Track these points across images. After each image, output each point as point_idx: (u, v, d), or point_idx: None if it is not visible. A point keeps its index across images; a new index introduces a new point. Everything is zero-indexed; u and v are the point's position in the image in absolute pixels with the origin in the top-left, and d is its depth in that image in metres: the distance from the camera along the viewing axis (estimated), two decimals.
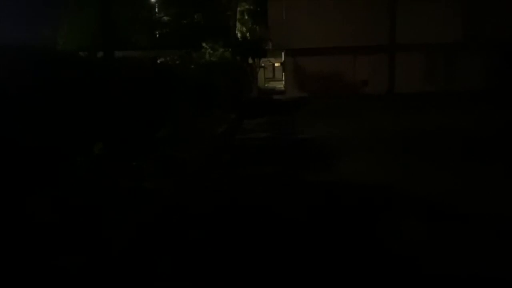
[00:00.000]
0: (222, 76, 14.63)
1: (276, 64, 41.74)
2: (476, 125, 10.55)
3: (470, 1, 18.50)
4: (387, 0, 17.57)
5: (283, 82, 23.62)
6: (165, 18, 27.25)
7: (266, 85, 30.87)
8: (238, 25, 30.96)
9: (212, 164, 7.20)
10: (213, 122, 10.64)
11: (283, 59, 24.22)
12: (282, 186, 5.71)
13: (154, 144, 5.98)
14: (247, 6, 30.68)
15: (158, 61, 16.80)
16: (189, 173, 5.89)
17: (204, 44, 22.34)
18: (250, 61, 23.83)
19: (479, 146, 8.04)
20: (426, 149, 7.99)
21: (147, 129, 5.70)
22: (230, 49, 21.91)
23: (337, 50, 19.52)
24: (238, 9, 30.71)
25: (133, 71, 5.18)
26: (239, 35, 29.92)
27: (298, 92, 20.33)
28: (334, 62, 19.84)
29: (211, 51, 22.18)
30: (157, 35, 26.12)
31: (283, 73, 25.30)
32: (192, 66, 15.37)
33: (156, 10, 28.76)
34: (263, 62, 38.14)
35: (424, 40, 18.39)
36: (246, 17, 31.38)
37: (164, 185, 4.79)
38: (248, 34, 30.14)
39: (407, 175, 6.01)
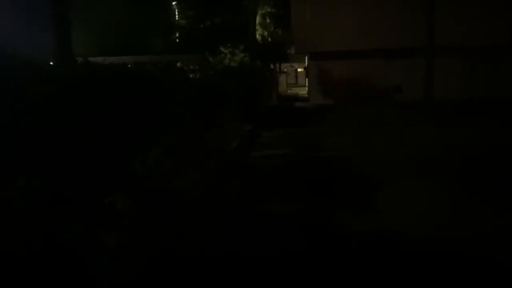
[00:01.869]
0: (239, 82, 13.15)
1: (299, 69, 40.09)
2: None
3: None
4: (423, 1, 15.69)
5: (306, 88, 21.95)
6: (183, 21, 26.05)
7: (288, 91, 29.26)
8: (259, 28, 29.64)
9: (212, 196, 5.65)
10: (225, 136, 9.11)
11: (306, 63, 22.57)
12: (307, 239, 4.08)
13: (133, 174, 4.46)
14: (268, 9, 29.34)
15: (177, 65, 15.45)
16: (172, 216, 4.34)
17: (222, 49, 21.06)
18: (272, 66, 22.32)
19: None
20: (490, 181, 6.22)
21: (122, 155, 4.18)
22: (249, 54, 20.50)
23: (367, 53, 17.71)
24: (259, 12, 29.41)
25: (104, 81, 3.69)
26: (260, 39, 28.57)
27: (323, 99, 18.61)
28: (363, 66, 18.03)
29: (231, 56, 20.87)
30: (176, 40, 24.95)
31: (306, 79, 23.67)
32: (210, 72, 13.97)
33: (176, 13, 27.72)
34: (285, 67, 36.66)
35: (466, 42, 16.39)
36: (268, 20, 30.05)
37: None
38: (269, 38, 28.75)
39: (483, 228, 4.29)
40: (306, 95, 20.91)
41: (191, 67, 18.41)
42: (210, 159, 6.77)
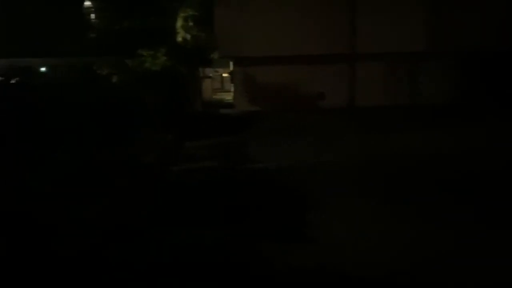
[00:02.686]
0: (160, 88, 12.15)
1: (224, 74, 39.45)
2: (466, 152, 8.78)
3: (436, 9, 17.21)
4: (346, 7, 15.81)
5: (232, 94, 21.35)
6: (98, 22, 24.24)
7: (213, 97, 28.45)
8: (181, 31, 28.54)
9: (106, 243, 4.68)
10: (140, 148, 8.14)
11: (231, 68, 21.97)
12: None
13: None
14: (191, 12, 28.36)
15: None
16: None
17: (142, 52, 19.80)
18: (195, 71, 21.41)
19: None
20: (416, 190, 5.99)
21: None
22: (171, 58, 19.47)
23: (292, 59, 17.50)
24: (182, 14, 28.33)
25: None
26: (182, 42, 27.49)
27: (249, 105, 18.10)
28: (288, 72, 17.79)
29: (151, 59, 19.68)
30: (92, 41, 23.10)
31: (232, 84, 23.08)
32: (128, 76, 12.82)
33: (92, 12, 25.76)
34: (210, 72, 35.78)
35: (387, 49, 16.80)
36: (191, 23, 29.05)
37: None
38: (193, 42, 27.77)
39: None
40: (232, 101, 20.31)
41: (108, 70, 16.97)
42: (119, 179, 5.82)
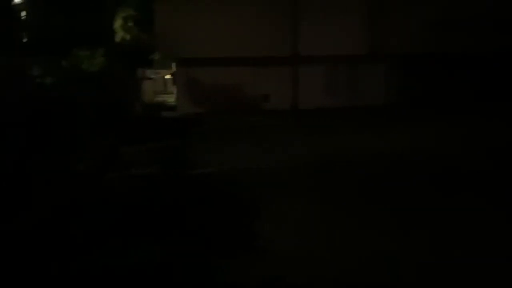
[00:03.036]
0: (94, 90, 11.49)
1: (167, 76, 38.58)
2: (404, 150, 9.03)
3: (374, 13, 17.75)
4: (289, 10, 15.89)
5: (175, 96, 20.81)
6: (30, 19, 22.77)
7: (155, 99, 27.62)
8: (120, 31, 27.47)
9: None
10: (73, 155, 7.59)
11: (174, 69, 21.42)
12: None
13: None
14: (131, 12, 27.40)
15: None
16: None
17: (79, 52, 18.81)
18: (136, 72, 20.69)
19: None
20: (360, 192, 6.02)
21: None
22: (110, 58, 18.65)
23: (236, 61, 17.34)
24: (121, 14, 27.28)
25: None
26: (122, 42, 26.48)
27: (192, 107, 17.70)
28: (233, 74, 17.63)
29: (88, 60, 18.73)
30: (24, 40, 21.66)
31: (174, 86, 22.51)
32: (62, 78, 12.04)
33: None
34: (153, 73, 34.78)
35: (329, 52, 17.10)
36: (131, 23, 28.05)
37: None
38: (133, 42, 26.83)
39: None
40: (175, 104, 19.79)
41: (40, 72, 15.86)
42: (47, 187, 5.33)
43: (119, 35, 26.60)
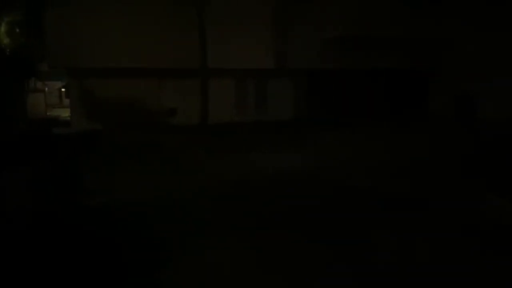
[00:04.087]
0: None
1: (63, 89, 35.45)
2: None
3: (281, 26, 17.50)
4: (196, 20, 14.89)
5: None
6: None
7: (48, 113, 24.82)
8: (5, 38, 24.39)
9: None
10: None
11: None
12: None
13: None
14: (17, 17, 24.49)
15: None
16: None
17: None
18: (23, 84, 18.20)
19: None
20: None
21: None
22: None
23: (138, 72, 15.88)
24: (6, 19, 24.26)
25: None
26: (7, 51, 23.46)
27: (89, 123, 15.82)
28: (135, 86, 16.12)
29: None
30: None
31: (66, 100, 20.27)
32: None
33: None
34: (48, 85, 31.54)
35: (237, 65, 16.43)
36: (17, 30, 25.08)
37: None
38: (19, 50, 23.93)
39: None
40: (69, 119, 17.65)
41: None
42: None
43: (4, 42, 23.58)
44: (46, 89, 31.26)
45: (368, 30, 16.74)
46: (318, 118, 17.38)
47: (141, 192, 6.79)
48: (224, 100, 17.04)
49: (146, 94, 16.21)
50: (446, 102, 18.89)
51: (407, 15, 17.44)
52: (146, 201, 6.28)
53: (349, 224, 5.21)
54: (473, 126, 15.37)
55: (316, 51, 17.33)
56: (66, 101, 34.46)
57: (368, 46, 17.88)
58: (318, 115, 17.94)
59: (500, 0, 16.43)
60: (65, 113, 24.26)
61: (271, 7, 17.21)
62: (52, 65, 16.27)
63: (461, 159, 9.46)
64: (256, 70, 17.36)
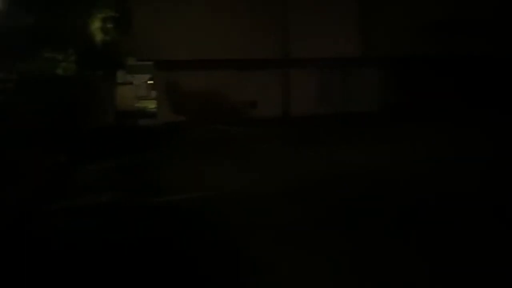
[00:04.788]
0: (54, 96, 9.78)
1: (150, 82, 36.91)
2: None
3: (367, 13, 16.29)
4: (278, 10, 14.30)
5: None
6: None
7: (137, 105, 25.91)
8: (100, 34, 25.80)
9: None
10: (12, 177, 5.89)
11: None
12: None
13: None
14: (110, 14, 25.79)
15: None
16: None
17: (46, 54, 17.13)
18: (113, 76, 19.00)
19: None
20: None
21: None
22: (81, 61, 16.97)
23: (220, 64, 15.66)
24: (99, 15, 25.62)
25: None
26: (99, 45, 24.82)
27: (173, 115, 15.99)
28: (217, 78, 15.93)
29: (56, 63, 17.07)
30: None
31: (153, 92, 20.82)
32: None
33: None
34: (135, 78, 33.04)
35: (320, 55, 15.50)
36: (109, 25, 26.43)
37: None
38: (111, 45, 25.21)
39: None
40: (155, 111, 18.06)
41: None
42: None
43: (98, 37, 24.95)
44: (135, 82, 32.72)
45: (466, 13, 14.96)
46: (407, 109, 15.88)
47: (222, 187, 6.39)
48: (307, 91, 16.25)
49: (228, 86, 15.97)
50: None
51: None
52: (228, 197, 5.86)
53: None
54: None
55: (406, 37, 15.85)
56: (153, 94, 35.87)
57: (465, 31, 16.00)
58: (406, 106, 16.45)
59: None
60: (151, 105, 25.15)
61: None
62: (139, 58, 16.71)
63: None
64: (341, 59, 16.30)
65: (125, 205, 5.81)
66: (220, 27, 15.49)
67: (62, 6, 19.57)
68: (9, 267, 3.90)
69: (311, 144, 10.32)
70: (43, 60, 16.59)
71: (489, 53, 16.61)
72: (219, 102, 15.82)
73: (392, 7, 16.05)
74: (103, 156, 9.03)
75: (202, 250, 4.15)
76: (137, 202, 5.89)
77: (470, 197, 5.59)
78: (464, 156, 8.26)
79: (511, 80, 17.29)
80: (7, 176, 5.85)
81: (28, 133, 7.60)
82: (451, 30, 16.00)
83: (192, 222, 4.99)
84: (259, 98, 15.93)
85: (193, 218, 5.10)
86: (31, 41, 17.26)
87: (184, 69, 15.99)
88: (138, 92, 32.69)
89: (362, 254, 3.95)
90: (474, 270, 3.58)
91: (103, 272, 3.73)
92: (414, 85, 17.11)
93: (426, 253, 3.93)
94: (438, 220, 4.79)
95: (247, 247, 4.14)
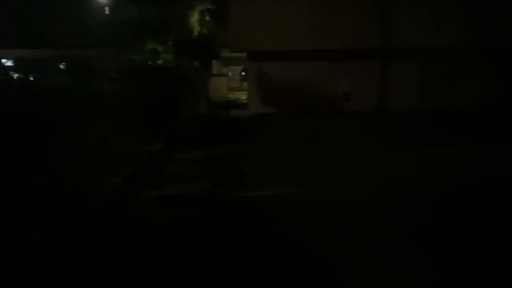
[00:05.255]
0: (151, 87, 10.15)
1: (243, 73, 37.45)
2: None
3: (477, 0, 14.64)
4: None
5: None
6: (105, 11, 22.50)
7: (229, 96, 26.43)
8: (197, 26, 26.64)
9: None
10: (112, 162, 6.11)
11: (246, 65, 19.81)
12: None
13: None
14: (208, 6, 26.49)
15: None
16: None
17: (150, 45, 18.02)
18: (205, 66, 19.44)
19: None
20: None
21: None
22: (178, 52, 17.57)
23: (313, 55, 15.16)
24: (198, 8, 26.43)
25: None
26: (197, 37, 25.63)
27: (264, 107, 15.93)
28: (309, 69, 15.47)
29: (157, 55, 17.91)
30: (91, 32, 21.38)
31: (245, 83, 20.94)
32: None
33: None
34: (229, 69, 33.77)
35: (422, 44, 14.18)
36: (208, 17, 27.17)
37: None
38: (208, 37, 25.92)
39: None
40: (247, 101, 18.19)
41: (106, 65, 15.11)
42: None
43: (196, 29, 25.78)
44: (230, 73, 33.42)
45: None
46: None
47: (311, 184, 6.04)
48: (406, 84, 15.06)
49: (321, 78, 15.43)
50: None
51: None
52: (324, 195, 5.50)
53: None
54: None
55: None
56: (245, 85, 36.36)
57: None
58: None
59: None
60: (243, 96, 25.49)
61: None
62: (233, 50, 16.88)
63: None
64: (445, 49, 14.80)
65: (218, 198, 5.73)
66: (315, 17, 14.99)
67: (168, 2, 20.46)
68: (107, 256, 3.96)
69: (411, 143, 9.49)
70: (148, 51, 17.46)
71: None
72: (309, 94, 15.34)
73: None
74: (197, 146, 9.17)
75: (294, 255, 3.86)
76: (229, 195, 5.79)
77: None
78: None
79: None
80: (107, 162, 6.08)
81: (131, 120, 7.93)
82: None
83: (283, 221, 4.74)
84: (354, 90, 15.16)
85: (283, 217, 4.85)
86: (138, 33, 18.30)
87: (276, 60, 15.79)
88: (232, 83, 33.40)
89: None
90: None
91: (192, 263, 3.61)
92: None
93: None
94: None
95: (339, 255, 3.76)
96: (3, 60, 18.32)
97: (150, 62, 16.23)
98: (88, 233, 4.27)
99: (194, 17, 25.65)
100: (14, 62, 18.80)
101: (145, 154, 7.22)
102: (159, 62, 16.79)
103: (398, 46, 13.83)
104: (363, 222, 4.62)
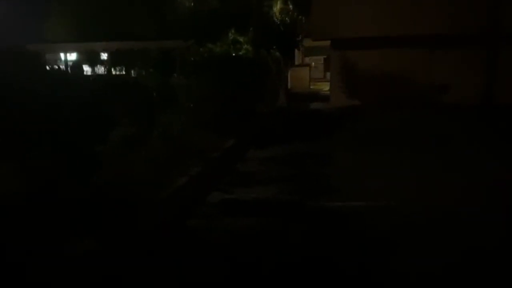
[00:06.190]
0: (229, 78, 9.65)
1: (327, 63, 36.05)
2: None
3: None
4: None
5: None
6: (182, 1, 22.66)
7: (311, 87, 25.45)
8: (279, 15, 25.98)
9: None
10: (179, 161, 5.64)
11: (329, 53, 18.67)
12: None
13: None
14: None
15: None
16: None
17: (234, 36, 17.74)
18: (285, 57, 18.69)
19: None
20: None
21: None
22: (256, 42, 17.02)
23: (405, 41, 13.60)
24: None
25: None
26: (279, 26, 24.98)
27: (347, 99, 14.75)
28: (400, 58, 13.92)
29: (240, 45, 17.56)
30: (172, 23, 21.68)
31: (327, 73, 19.76)
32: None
33: None
34: (314, 60, 32.69)
35: None
36: (290, 6, 26.37)
37: None
38: (291, 26, 25.14)
39: None
40: (329, 93, 17.08)
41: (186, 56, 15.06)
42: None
43: (279, 18, 25.12)
44: (312, 63, 32.36)
45: None
46: None
47: (406, 194, 5.04)
48: None
49: (414, 67, 13.87)
50: None
51: None
52: (411, 209, 4.51)
53: None
54: None
55: None
56: (328, 75, 34.93)
57: None
58: None
59: None
60: (325, 88, 24.33)
61: None
62: (315, 38, 15.94)
63: None
64: None
65: (293, 206, 4.98)
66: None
67: None
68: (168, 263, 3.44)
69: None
70: (229, 42, 17.16)
71: None
72: (404, 85, 13.84)
73: None
74: (272, 142, 8.47)
75: None
76: (307, 204, 5.00)
77: None
78: None
79: None
80: (174, 159, 5.61)
81: (206, 114, 7.48)
82: None
83: (377, 241, 3.87)
84: (453, 81, 13.37)
85: (376, 237, 3.97)
86: (220, 24, 18.07)
87: (362, 48, 14.49)
88: (315, 74, 32.28)
89: None
90: None
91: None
92: None
93: None
94: None
95: None
96: (73, 55, 19.17)
97: (233, 54, 15.91)
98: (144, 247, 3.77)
99: (277, 6, 24.96)
100: (108, 55, 19.63)
101: (216, 151, 6.67)
102: (241, 53, 16.41)
103: (507, 31, 11.82)
104: (476, 258, 3.59)
